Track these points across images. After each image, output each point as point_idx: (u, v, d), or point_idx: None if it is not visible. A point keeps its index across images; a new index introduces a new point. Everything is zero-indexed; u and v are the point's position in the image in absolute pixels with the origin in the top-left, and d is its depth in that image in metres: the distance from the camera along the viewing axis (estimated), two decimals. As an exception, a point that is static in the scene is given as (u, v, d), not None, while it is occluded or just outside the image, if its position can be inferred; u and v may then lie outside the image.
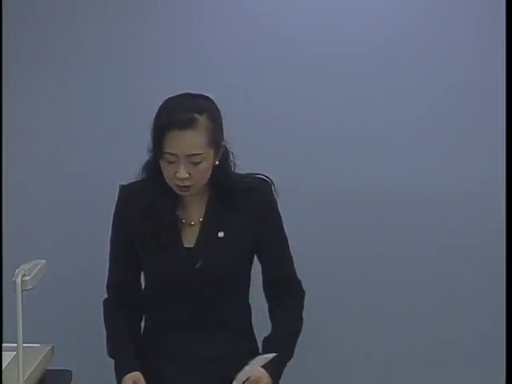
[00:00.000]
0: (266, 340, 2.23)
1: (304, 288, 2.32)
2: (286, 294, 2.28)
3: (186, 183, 2.11)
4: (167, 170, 2.12)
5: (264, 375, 2.10)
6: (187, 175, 2.09)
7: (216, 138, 2.13)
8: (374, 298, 2.97)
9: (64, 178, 2.95)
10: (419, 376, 2.99)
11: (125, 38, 2.89)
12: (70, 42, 2.90)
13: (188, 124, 2.06)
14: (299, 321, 2.28)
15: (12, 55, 2.84)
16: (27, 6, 2.88)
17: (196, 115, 2.08)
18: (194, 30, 2.88)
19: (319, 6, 2.86)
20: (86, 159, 2.94)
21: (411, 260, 2.95)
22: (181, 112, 2.07)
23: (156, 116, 2.12)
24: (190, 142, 2.07)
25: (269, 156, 2.81)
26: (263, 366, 2.10)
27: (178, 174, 2.09)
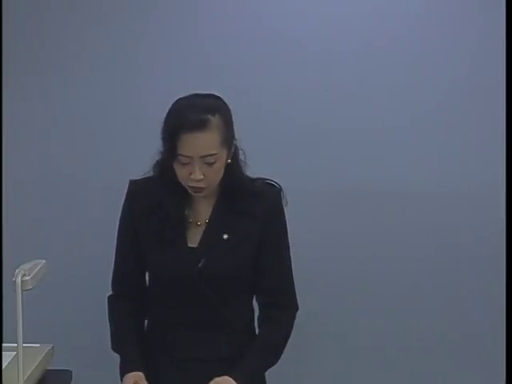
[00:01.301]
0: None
1: (298, 305, 2.28)
2: (277, 306, 2.23)
3: (201, 184, 2.11)
4: (181, 172, 2.11)
5: (224, 379, 2.09)
6: (202, 176, 2.09)
7: (228, 137, 2.12)
8: (373, 298, 2.97)
9: (64, 179, 2.94)
10: (419, 376, 2.99)
11: (125, 38, 2.89)
12: (70, 42, 2.90)
13: (201, 125, 2.05)
14: (283, 333, 2.23)
15: (12, 55, 2.83)
16: (27, 5, 2.88)
17: (209, 116, 2.06)
18: (193, 30, 2.88)
19: (319, 6, 2.86)
20: (86, 159, 2.93)
21: (411, 260, 2.95)
22: (193, 113, 2.06)
23: (167, 118, 2.11)
24: (204, 143, 2.06)
25: (268, 156, 2.80)
26: (228, 373, 2.10)
27: (193, 176, 2.08)
